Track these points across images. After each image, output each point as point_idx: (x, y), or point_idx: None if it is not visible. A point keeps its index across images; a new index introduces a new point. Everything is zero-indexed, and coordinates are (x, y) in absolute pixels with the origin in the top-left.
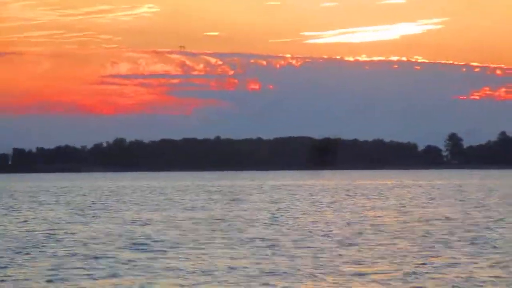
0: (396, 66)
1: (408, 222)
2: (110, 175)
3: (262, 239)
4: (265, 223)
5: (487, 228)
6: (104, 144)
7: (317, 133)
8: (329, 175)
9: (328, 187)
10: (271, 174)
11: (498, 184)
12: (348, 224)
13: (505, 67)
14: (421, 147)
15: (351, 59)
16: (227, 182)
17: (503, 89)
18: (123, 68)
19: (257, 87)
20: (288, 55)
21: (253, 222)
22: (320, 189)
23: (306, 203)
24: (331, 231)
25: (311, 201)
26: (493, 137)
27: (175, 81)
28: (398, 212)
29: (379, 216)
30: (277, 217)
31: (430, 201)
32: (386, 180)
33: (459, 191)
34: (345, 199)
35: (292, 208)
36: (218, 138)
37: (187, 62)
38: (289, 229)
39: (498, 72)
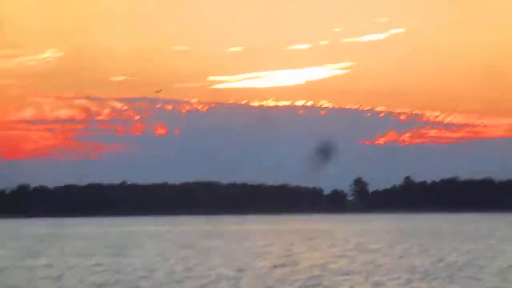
0: (301, 111)
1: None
2: (11, 222)
3: None
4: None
5: None
6: (7, 191)
7: (224, 178)
8: (232, 220)
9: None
10: (177, 219)
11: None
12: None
13: (409, 112)
14: (326, 191)
15: (256, 104)
16: (123, 229)
17: (408, 134)
18: (28, 113)
19: (163, 131)
20: (195, 100)
21: None
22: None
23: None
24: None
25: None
26: (398, 182)
27: (80, 126)
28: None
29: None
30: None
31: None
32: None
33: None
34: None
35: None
36: (124, 183)
37: (92, 107)
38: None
39: (402, 117)
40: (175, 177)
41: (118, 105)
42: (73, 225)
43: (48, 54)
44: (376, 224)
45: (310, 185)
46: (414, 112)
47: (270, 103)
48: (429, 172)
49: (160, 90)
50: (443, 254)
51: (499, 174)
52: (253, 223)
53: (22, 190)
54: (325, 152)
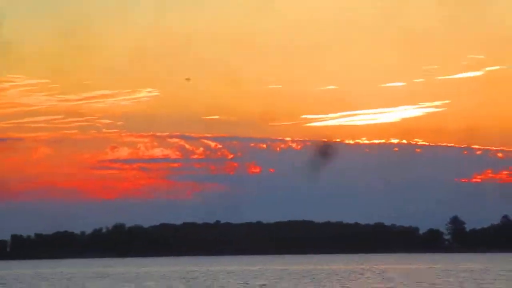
0: (396, 148)
1: None
2: (109, 261)
3: None
4: None
5: None
6: (104, 230)
7: (318, 217)
8: (327, 259)
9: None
10: (270, 258)
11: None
12: None
13: (507, 149)
14: (422, 230)
15: (351, 142)
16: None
17: (505, 172)
18: (123, 152)
19: (257, 170)
20: (288, 138)
21: None
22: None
23: None
24: None
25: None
26: (496, 221)
27: (174, 165)
28: None
29: None
30: None
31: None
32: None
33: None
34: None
35: None
36: (217, 222)
37: (187, 146)
38: None
39: (500, 154)
40: (269, 216)
41: (212, 144)
42: (166, 265)
43: (144, 94)
44: (471, 264)
45: (406, 223)
46: (511, 150)
47: (365, 141)
48: None
49: (189, 78)
50: None
51: None
52: (356, 262)
53: (118, 230)
54: (324, 154)
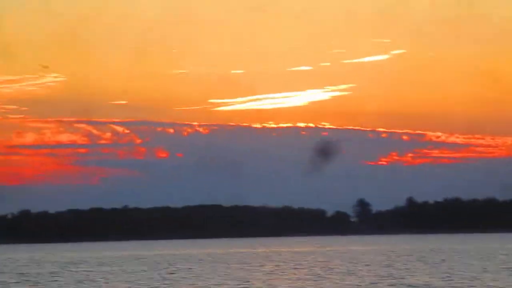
0: (303, 132)
1: None
2: (14, 247)
3: None
4: None
5: None
6: (9, 216)
7: (226, 201)
8: (237, 243)
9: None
10: (178, 242)
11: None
12: None
13: (411, 132)
14: (329, 213)
15: (259, 126)
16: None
17: (410, 154)
18: (29, 138)
19: (165, 155)
20: (196, 123)
21: None
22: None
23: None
24: None
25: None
26: (401, 203)
27: (81, 150)
28: None
29: None
30: None
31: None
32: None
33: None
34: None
35: None
36: (126, 207)
37: (94, 131)
38: None
39: (404, 137)
40: (178, 201)
41: (120, 129)
42: (74, 250)
43: (50, 79)
44: (372, 246)
45: (313, 206)
46: (416, 132)
47: (272, 124)
48: (432, 193)
49: (47, 66)
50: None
51: (502, 193)
52: (262, 245)
53: (24, 216)
54: (325, 152)
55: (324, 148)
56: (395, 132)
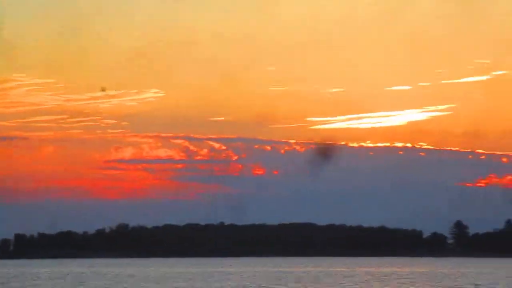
0: (401, 152)
1: None
2: (111, 261)
3: None
4: None
5: None
6: (107, 230)
7: (322, 220)
8: (331, 262)
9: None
10: (273, 260)
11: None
12: None
13: (511, 154)
14: (426, 234)
15: (355, 145)
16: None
17: (509, 177)
18: (127, 152)
19: (261, 172)
20: (293, 140)
21: None
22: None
23: None
24: None
25: None
26: (500, 225)
27: (178, 166)
28: None
29: None
30: None
31: None
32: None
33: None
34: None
35: None
36: (221, 223)
37: (191, 147)
38: None
39: (504, 159)
40: (273, 218)
41: (217, 145)
42: (171, 265)
43: (150, 94)
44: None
45: (410, 227)
46: None
47: (369, 144)
48: None
49: (104, 89)
50: None
51: None
52: (359, 265)
53: (121, 230)
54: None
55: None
56: (494, 154)
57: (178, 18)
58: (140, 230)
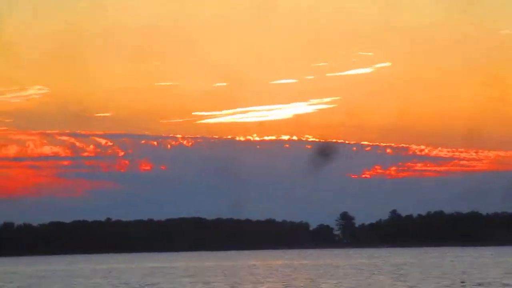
0: (287, 145)
1: None
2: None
3: None
4: None
5: None
6: None
7: (210, 215)
8: (221, 256)
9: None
10: (161, 255)
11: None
12: None
13: (395, 145)
14: (313, 226)
15: (242, 138)
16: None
17: (394, 168)
18: (12, 150)
19: (148, 167)
20: (179, 135)
21: None
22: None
23: None
24: None
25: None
26: (385, 216)
27: (64, 162)
28: None
29: None
30: None
31: None
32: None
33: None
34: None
35: None
36: (108, 220)
37: (77, 144)
38: None
39: (388, 150)
40: (161, 214)
41: (103, 141)
42: (58, 263)
43: (34, 91)
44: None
45: (297, 219)
46: (400, 146)
47: (256, 137)
48: (415, 206)
49: None
50: None
51: (486, 207)
52: (244, 258)
53: (7, 228)
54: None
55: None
56: (379, 146)
57: (57, 11)
58: (26, 229)
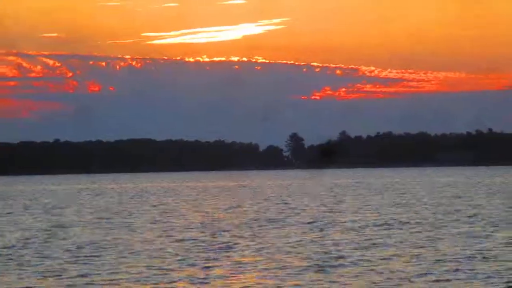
0: (237, 66)
1: None
2: None
3: None
4: None
5: None
6: None
7: (159, 135)
8: (180, 177)
9: (165, 188)
10: (111, 176)
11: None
12: None
13: (345, 67)
14: (262, 147)
15: (191, 60)
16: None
17: (343, 89)
18: None
19: (97, 89)
20: (128, 56)
21: None
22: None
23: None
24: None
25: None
26: (334, 137)
27: (11, 83)
28: None
29: None
30: None
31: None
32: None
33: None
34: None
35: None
36: (57, 141)
37: (24, 64)
38: None
39: (338, 72)
40: (110, 135)
41: (51, 62)
42: (4, 184)
43: None
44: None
45: (246, 140)
46: (349, 67)
47: (205, 58)
48: (365, 127)
49: None
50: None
51: (433, 128)
52: (192, 179)
53: None
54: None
55: None
56: (328, 67)
57: None
58: None
